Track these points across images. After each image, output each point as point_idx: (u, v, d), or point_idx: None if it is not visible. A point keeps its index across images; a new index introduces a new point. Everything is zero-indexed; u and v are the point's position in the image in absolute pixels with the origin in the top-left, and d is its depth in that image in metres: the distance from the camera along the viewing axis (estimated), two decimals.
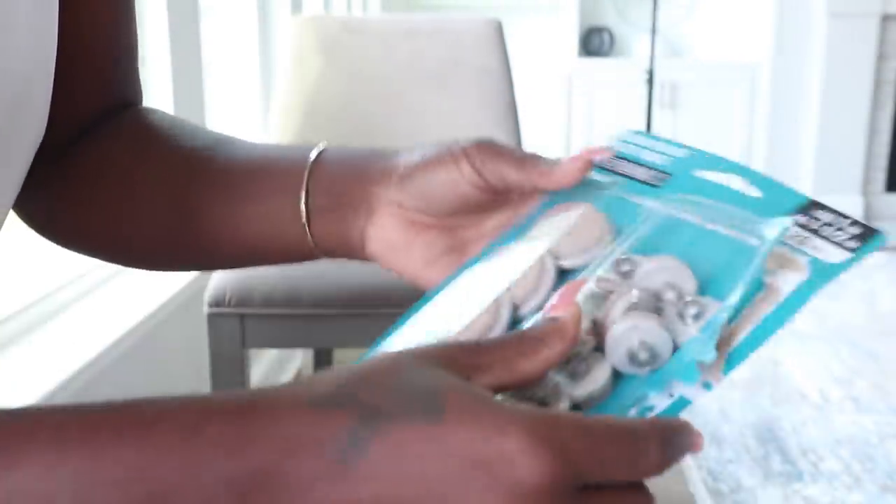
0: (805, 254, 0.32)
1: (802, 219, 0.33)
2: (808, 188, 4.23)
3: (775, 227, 0.33)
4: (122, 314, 1.24)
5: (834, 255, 0.31)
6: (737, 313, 0.31)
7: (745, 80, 4.29)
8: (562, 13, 4.45)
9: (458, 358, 0.28)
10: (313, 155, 0.43)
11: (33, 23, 0.37)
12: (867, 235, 0.32)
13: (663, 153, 0.39)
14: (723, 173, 0.37)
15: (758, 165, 4.33)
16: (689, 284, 0.33)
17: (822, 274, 0.31)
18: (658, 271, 0.33)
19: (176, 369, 1.40)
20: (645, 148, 0.40)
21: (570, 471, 0.25)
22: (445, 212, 0.40)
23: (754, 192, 0.36)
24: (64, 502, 0.23)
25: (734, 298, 0.31)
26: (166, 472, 0.24)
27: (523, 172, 0.38)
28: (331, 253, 0.43)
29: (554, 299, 0.35)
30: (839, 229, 0.32)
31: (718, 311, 0.31)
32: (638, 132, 0.41)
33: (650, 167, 0.39)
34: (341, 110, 1.56)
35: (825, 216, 0.33)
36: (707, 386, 0.30)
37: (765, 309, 0.31)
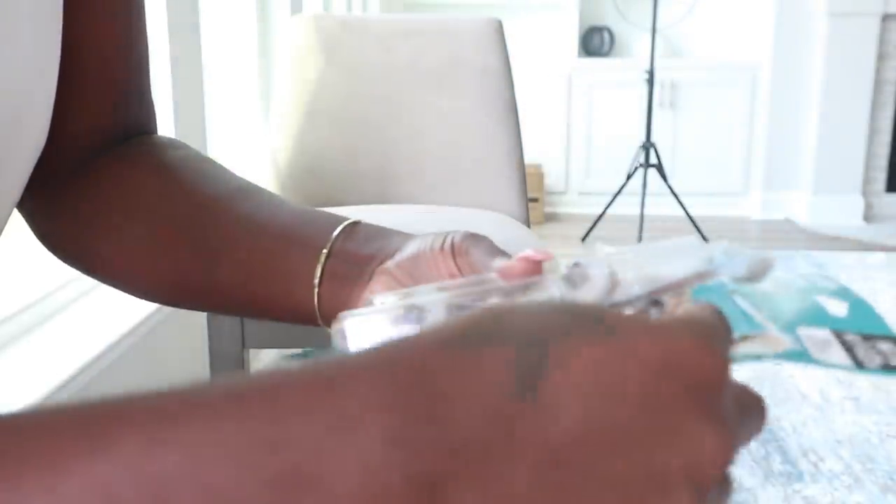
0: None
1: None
2: (808, 188, 4.23)
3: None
4: (121, 314, 1.23)
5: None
6: None
7: (745, 80, 4.29)
8: (562, 13, 4.45)
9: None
10: (336, 232, 0.43)
11: (35, 35, 0.37)
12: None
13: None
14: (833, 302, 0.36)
15: (758, 165, 4.33)
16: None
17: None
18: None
19: (176, 369, 1.40)
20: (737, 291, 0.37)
21: (728, 372, 0.25)
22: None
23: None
24: (174, 483, 0.19)
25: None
26: (307, 443, 0.20)
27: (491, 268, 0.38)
28: (328, 317, 0.43)
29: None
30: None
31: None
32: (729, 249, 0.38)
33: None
34: (341, 110, 1.56)
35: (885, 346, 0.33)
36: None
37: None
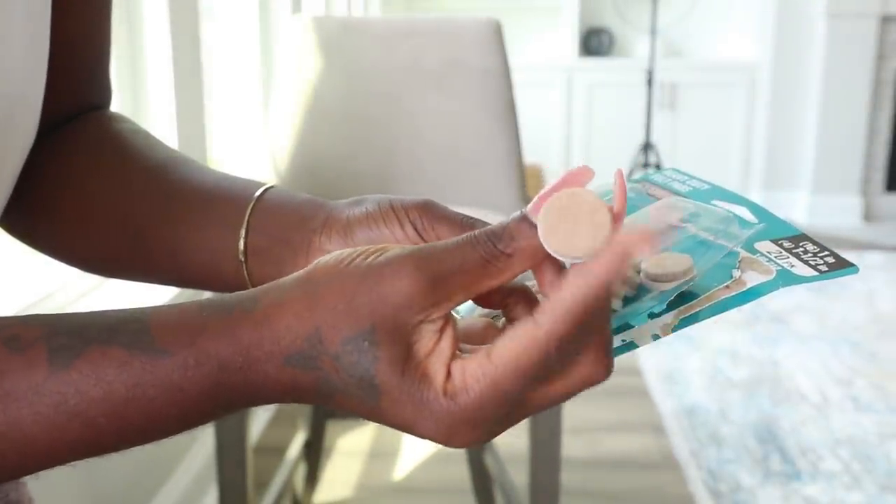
0: (777, 264, 0.38)
1: (787, 243, 0.39)
2: (807, 188, 4.23)
3: (749, 230, 0.40)
4: None
5: (803, 270, 0.37)
6: (702, 292, 0.37)
7: (745, 80, 4.29)
8: (562, 13, 4.46)
9: (415, 303, 0.32)
10: (258, 193, 0.43)
11: (27, 36, 0.37)
12: (838, 265, 0.37)
13: (689, 185, 0.45)
14: (733, 204, 0.42)
15: (757, 165, 4.34)
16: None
17: (785, 279, 0.37)
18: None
19: None
20: (675, 180, 0.46)
21: (474, 432, 0.33)
22: None
23: (754, 220, 0.42)
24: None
25: (696, 276, 0.38)
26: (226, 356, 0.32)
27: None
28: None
29: (545, 189, 0.34)
30: (817, 255, 0.38)
31: (681, 283, 0.37)
32: (676, 170, 0.47)
33: (673, 192, 0.44)
34: (341, 110, 1.56)
35: (810, 246, 0.39)
36: (655, 337, 0.37)
37: (725, 293, 0.37)
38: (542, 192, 0.33)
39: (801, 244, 0.39)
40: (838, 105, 4.07)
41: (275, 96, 1.61)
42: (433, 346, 0.32)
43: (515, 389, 0.31)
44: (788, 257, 0.38)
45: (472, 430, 0.32)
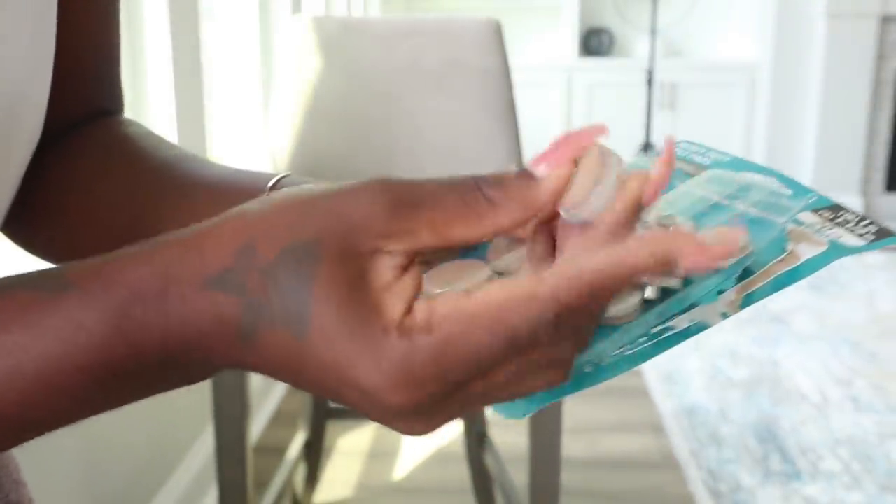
0: (826, 236, 0.37)
1: (828, 213, 0.39)
2: None
3: (800, 202, 0.39)
4: None
5: (851, 241, 0.36)
6: (759, 268, 0.36)
7: (745, 81, 4.29)
8: (562, 13, 4.46)
9: (373, 225, 0.27)
10: (270, 184, 0.41)
11: (32, 32, 0.37)
12: (883, 234, 0.37)
13: (709, 157, 0.44)
14: (762, 175, 0.41)
15: None
16: None
17: (838, 251, 0.36)
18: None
19: None
20: (694, 153, 0.44)
21: (424, 392, 0.26)
22: None
23: (786, 191, 0.41)
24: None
25: (753, 251, 0.36)
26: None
27: None
28: None
29: (549, 145, 0.30)
30: (859, 224, 0.38)
31: (744, 257, 0.36)
32: (689, 142, 0.45)
33: (696, 164, 0.43)
34: (341, 110, 1.56)
35: (850, 216, 0.38)
36: (724, 315, 0.34)
37: (783, 268, 0.36)
38: (552, 144, 0.29)
39: (840, 214, 0.38)
40: (838, 105, 4.07)
41: (275, 96, 1.61)
42: (391, 281, 0.27)
43: (490, 351, 0.26)
44: (833, 227, 0.38)
45: (419, 391, 0.26)
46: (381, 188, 0.27)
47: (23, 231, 0.48)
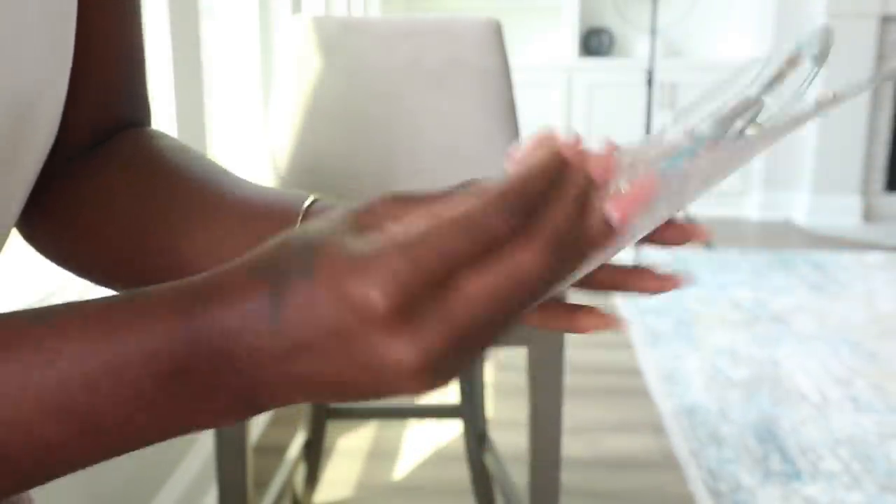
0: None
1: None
2: (807, 188, 4.23)
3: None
4: None
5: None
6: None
7: None
8: (562, 13, 4.46)
9: (387, 200, 0.31)
10: (306, 205, 0.43)
11: (46, 34, 0.37)
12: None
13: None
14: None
15: (757, 165, 4.34)
16: None
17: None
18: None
19: None
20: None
21: (407, 291, 0.27)
22: None
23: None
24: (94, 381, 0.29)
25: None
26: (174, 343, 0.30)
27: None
28: None
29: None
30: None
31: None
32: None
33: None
34: (341, 110, 1.56)
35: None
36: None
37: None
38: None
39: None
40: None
41: (275, 96, 1.61)
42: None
43: (451, 233, 0.27)
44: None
45: (400, 291, 0.27)
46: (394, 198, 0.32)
47: (52, 245, 0.47)
